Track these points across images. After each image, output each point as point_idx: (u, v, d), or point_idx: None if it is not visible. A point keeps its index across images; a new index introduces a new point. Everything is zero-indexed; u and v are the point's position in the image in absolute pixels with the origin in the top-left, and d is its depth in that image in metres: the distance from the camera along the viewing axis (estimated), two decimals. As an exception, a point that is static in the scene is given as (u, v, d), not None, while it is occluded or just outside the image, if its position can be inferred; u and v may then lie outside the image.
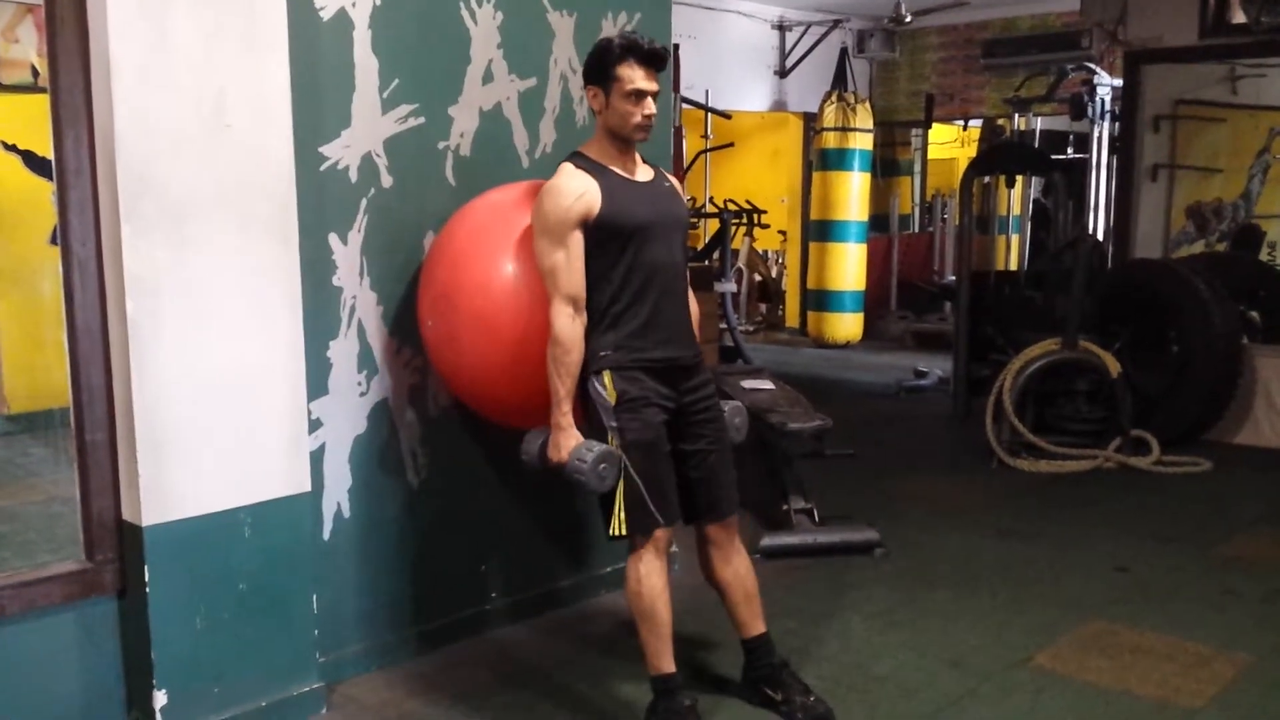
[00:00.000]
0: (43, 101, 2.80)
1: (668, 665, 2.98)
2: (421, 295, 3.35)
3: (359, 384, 3.35)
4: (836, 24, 11.08)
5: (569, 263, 2.92)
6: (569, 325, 2.92)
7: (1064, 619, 3.88)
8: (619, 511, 2.95)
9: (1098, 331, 6.47)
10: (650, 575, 2.95)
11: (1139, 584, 4.26)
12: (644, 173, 3.11)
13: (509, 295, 3.12)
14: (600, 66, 2.96)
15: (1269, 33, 7.89)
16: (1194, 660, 3.56)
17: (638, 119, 2.95)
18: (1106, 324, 6.64)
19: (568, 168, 3.00)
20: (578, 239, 2.93)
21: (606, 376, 2.97)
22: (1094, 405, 6.31)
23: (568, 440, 2.96)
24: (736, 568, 3.18)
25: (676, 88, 6.15)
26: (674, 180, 3.24)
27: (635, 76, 2.92)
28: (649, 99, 2.95)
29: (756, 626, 3.20)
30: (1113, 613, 3.96)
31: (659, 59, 2.98)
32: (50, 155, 2.80)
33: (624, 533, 2.95)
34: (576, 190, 2.93)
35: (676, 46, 5.95)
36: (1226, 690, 3.35)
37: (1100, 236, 9.46)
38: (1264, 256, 9.15)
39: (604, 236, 2.95)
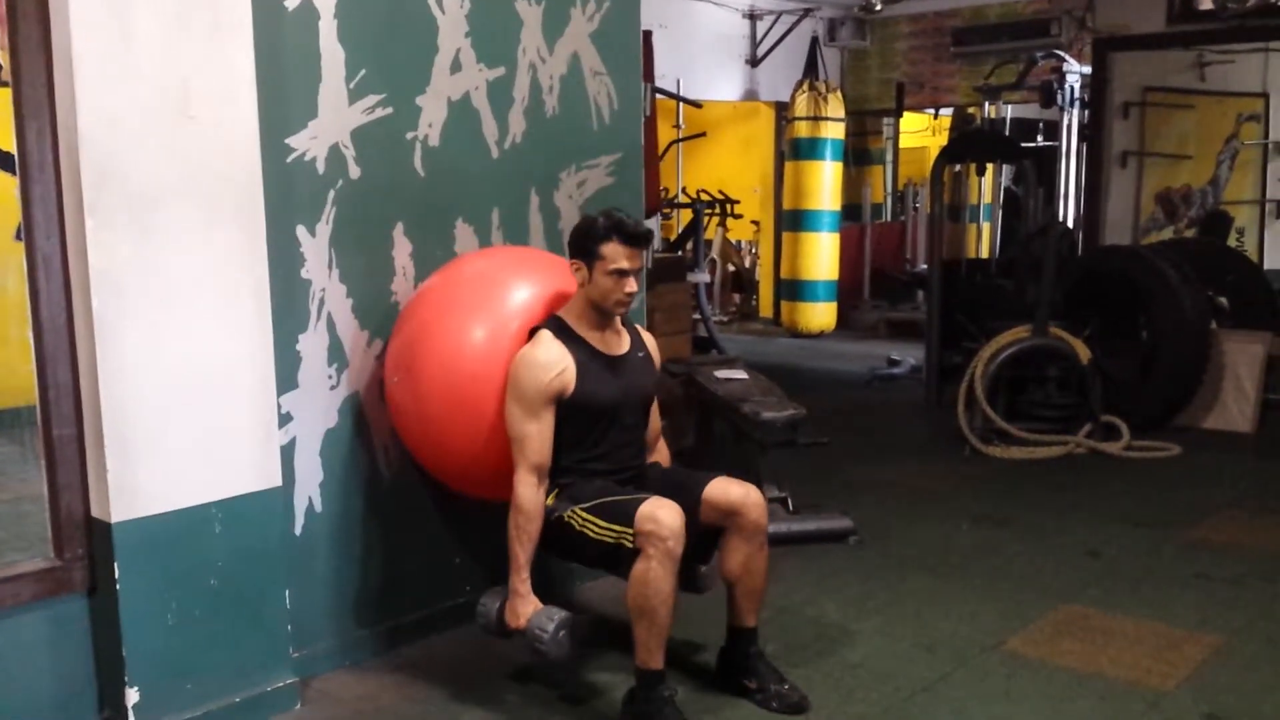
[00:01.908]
0: (5, 95, 2.76)
1: (656, 663, 2.97)
2: (389, 352, 3.37)
3: (329, 377, 3.33)
4: (807, 13, 11.09)
5: (539, 434, 3.02)
6: (532, 495, 3.01)
7: (1036, 603, 3.91)
8: (612, 535, 2.93)
9: (1068, 318, 6.52)
10: (658, 580, 2.87)
11: (1110, 568, 4.30)
12: (622, 342, 3.20)
13: (474, 368, 3.14)
14: (584, 243, 3.05)
15: (1236, 19, 7.96)
16: (1165, 642, 3.59)
17: (619, 295, 3.05)
18: (1077, 311, 6.69)
19: (545, 337, 3.06)
20: (550, 413, 3.03)
21: (550, 496, 3.10)
22: (1065, 391, 6.36)
23: (525, 607, 3.03)
24: (753, 563, 3.14)
25: (649, 77, 6.14)
26: (650, 343, 3.36)
27: (619, 256, 3.01)
28: (631, 277, 3.04)
29: (750, 620, 3.21)
30: (1084, 597, 3.99)
31: (643, 239, 3.06)
32: (13, 149, 2.76)
33: (633, 537, 2.88)
34: (555, 366, 3.02)
35: (648, 34, 5.93)
36: (1197, 671, 3.38)
37: (1070, 223, 9.53)
38: (1232, 242, 9.25)
39: (574, 413, 3.07)
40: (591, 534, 2.97)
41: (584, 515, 3.00)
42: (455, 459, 3.29)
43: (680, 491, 3.07)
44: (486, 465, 3.18)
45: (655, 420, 3.40)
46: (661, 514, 2.86)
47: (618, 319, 3.18)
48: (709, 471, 3.23)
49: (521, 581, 3.03)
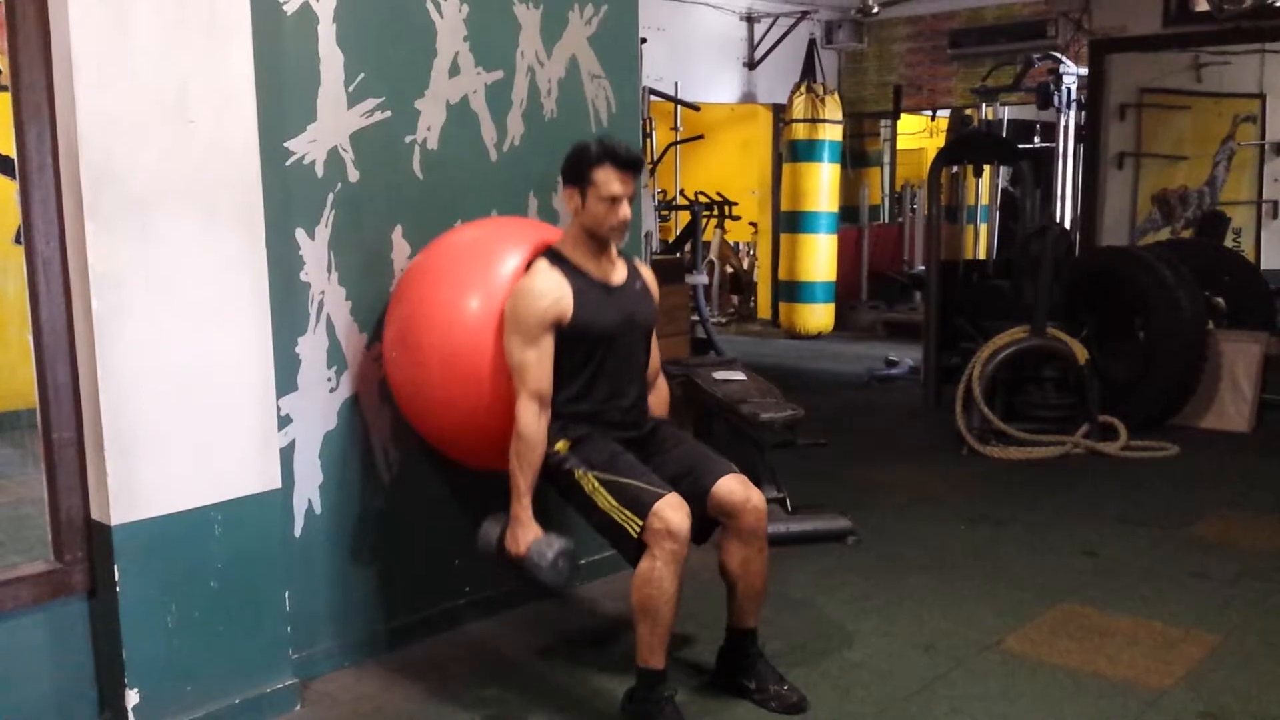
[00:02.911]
0: (4, 99, 2.77)
1: (658, 662, 2.97)
2: (386, 328, 3.37)
3: (328, 380, 3.34)
4: (804, 15, 11.10)
5: (539, 362, 3.00)
6: (534, 422, 2.99)
7: (1034, 603, 3.92)
8: (621, 517, 2.93)
9: (1065, 319, 6.53)
10: (663, 580, 2.88)
11: (1108, 567, 4.31)
12: (619, 272, 3.17)
13: (471, 338, 3.13)
14: (577, 169, 3.03)
15: (1232, 20, 7.98)
16: (1162, 641, 3.60)
17: (613, 222, 3.02)
18: (1074, 311, 6.70)
19: (542, 266, 3.05)
20: (549, 340, 3.01)
21: (559, 443, 3.07)
22: (1062, 392, 6.37)
23: (526, 534, 3.01)
24: (752, 565, 3.14)
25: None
26: (647, 275, 3.33)
27: (611, 181, 2.99)
28: (624, 203, 3.02)
29: (750, 621, 3.22)
30: (1082, 596, 4.00)
31: (636, 164, 3.04)
32: (13, 153, 2.77)
33: (640, 528, 2.88)
34: (551, 293, 2.99)
35: (644, 40, 5.96)
36: (1194, 670, 3.39)
37: (1067, 225, 9.54)
38: (1229, 242, 9.27)
39: (572, 340, 3.05)
40: (600, 504, 2.97)
41: (596, 483, 2.98)
42: (456, 429, 3.29)
43: (690, 478, 3.08)
44: (488, 434, 3.15)
45: (655, 357, 3.37)
46: (674, 517, 2.87)
47: (614, 249, 3.16)
48: (722, 460, 3.19)
49: (523, 509, 3.01)
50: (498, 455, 3.11)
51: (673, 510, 2.88)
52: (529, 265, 3.10)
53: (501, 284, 3.13)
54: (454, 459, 3.50)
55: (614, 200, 3.00)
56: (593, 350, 3.10)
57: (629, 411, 3.20)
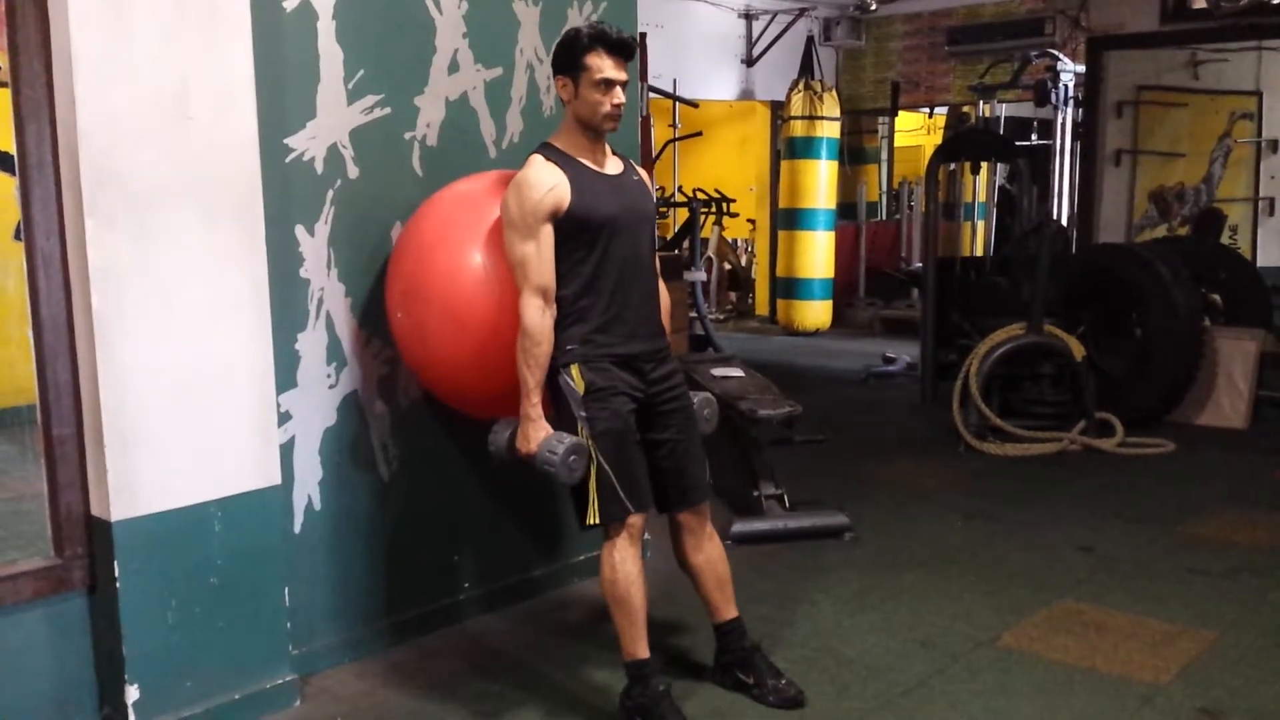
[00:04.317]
0: (4, 96, 2.77)
1: (642, 651, 3.00)
2: (390, 287, 3.35)
3: (328, 376, 3.35)
4: (802, 12, 11.10)
5: (539, 255, 2.92)
6: (538, 317, 2.92)
7: (1031, 599, 3.93)
8: (593, 501, 2.96)
9: (1062, 316, 6.54)
10: (625, 563, 2.97)
11: (1104, 563, 4.33)
12: (613, 165, 3.11)
13: (478, 286, 3.11)
14: (568, 56, 2.96)
15: (1229, 17, 7.99)
16: (1159, 637, 3.62)
17: (607, 108, 2.96)
18: (1071, 308, 6.72)
19: (537, 160, 2.99)
20: (548, 232, 2.93)
21: (575, 369, 2.99)
22: (1059, 389, 6.38)
23: (537, 432, 2.97)
24: (709, 554, 3.20)
25: (644, 77, 6.16)
26: (643, 173, 3.24)
27: (604, 65, 2.92)
28: (618, 88, 2.96)
29: (729, 611, 3.23)
30: (1079, 592, 4.01)
31: (627, 48, 2.98)
32: (13, 150, 2.78)
33: (598, 521, 2.97)
34: (547, 183, 2.92)
35: (642, 35, 5.95)
36: (1191, 666, 3.41)
37: (1064, 222, 9.55)
38: (1225, 240, 9.28)
39: (573, 230, 2.96)
40: (592, 466, 2.95)
41: (600, 451, 2.95)
42: (465, 382, 3.27)
43: (667, 480, 3.15)
44: (496, 384, 3.10)
45: (655, 262, 3.25)
46: (636, 521, 3.00)
47: (608, 145, 3.11)
48: (699, 478, 3.20)
49: (532, 406, 2.96)
50: (508, 403, 3.06)
51: (638, 524, 3.01)
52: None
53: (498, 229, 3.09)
54: (465, 411, 3.47)
55: (608, 85, 2.94)
56: (595, 239, 2.98)
57: (639, 314, 3.08)
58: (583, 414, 2.98)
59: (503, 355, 3.01)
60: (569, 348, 2.98)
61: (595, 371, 2.99)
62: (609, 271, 3.01)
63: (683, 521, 3.19)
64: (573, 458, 2.92)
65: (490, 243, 3.10)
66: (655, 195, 3.28)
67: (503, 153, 3.73)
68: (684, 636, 3.58)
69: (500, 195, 3.05)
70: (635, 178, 3.16)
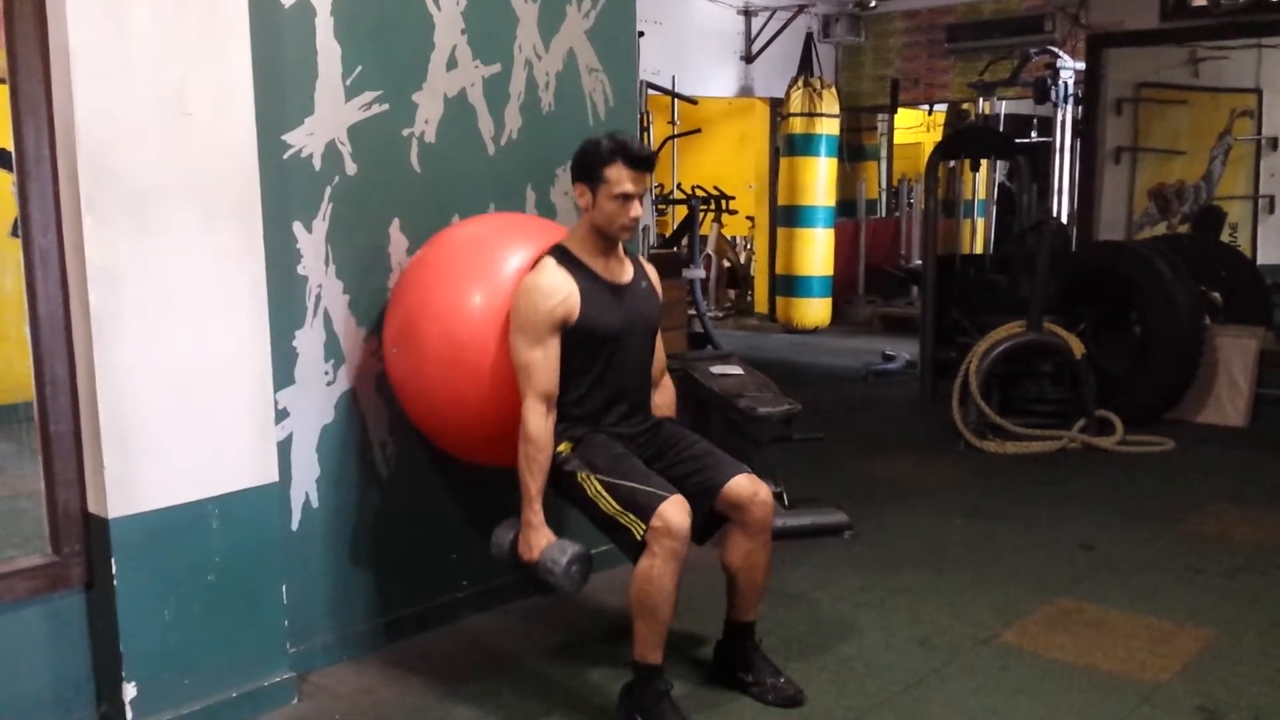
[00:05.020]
0: (2, 92, 2.76)
1: (655, 657, 2.97)
2: (387, 322, 3.37)
3: (326, 373, 3.34)
4: (802, 9, 11.09)
5: (545, 362, 2.97)
6: (541, 423, 2.97)
7: (1030, 597, 3.93)
8: (624, 516, 2.91)
9: (1062, 313, 6.54)
10: (662, 578, 2.87)
11: (1104, 561, 4.32)
12: (625, 271, 3.16)
13: (471, 341, 3.12)
14: (588, 166, 3.00)
15: (1229, 15, 7.98)
16: (1158, 635, 3.61)
17: (624, 220, 3.00)
18: (1070, 306, 6.71)
19: (550, 264, 3.02)
20: (556, 340, 2.98)
21: (561, 444, 3.06)
22: (1058, 386, 6.38)
23: (539, 539, 3.00)
24: (754, 558, 3.13)
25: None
26: (653, 274, 3.31)
27: (623, 179, 2.96)
28: (635, 201, 2.99)
29: (749, 615, 3.22)
30: (1078, 590, 4.01)
31: (647, 162, 3.01)
32: (10, 146, 2.77)
33: (643, 531, 2.87)
34: (559, 292, 2.97)
35: (641, 34, 5.95)
36: (1190, 664, 3.40)
37: (1064, 219, 9.55)
38: (1225, 237, 9.28)
39: (579, 341, 3.03)
40: (603, 507, 2.95)
41: (599, 487, 2.97)
42: (458, 426, 3.28)
43: (699, 476, 3.08)
44: (490, 430, 3.15)
45: (660, 355, 3.35)
46: (674, 517, 2.86)
47: (621, 248, 3.15)
48: (732, 460, 3.17)
49: (534, 513, 2.99)
50: (498, 451, 3.11)
51: (673, 510, 2.87)
52: (536, 263, 3.07)
53: (502, 279, 3.12)
54: (455, 456, 3.50)
55: (626, 198, 2.97)
56: (598, 351, 3.07)
57: (632, 413, 3.18)
58: (569, 467, 3.03)
59: (494, 401, 3.08)
60: (559, 428, 3.06)
61: (577, 433, 3.08)
62: (609, 381, 3.11)
63: (738, 503, 3.06)
64: (574, 568, 2.96)
65: (487, 300, 3.12)
66: (660, 296, 3.35)
67: (501, 149, 3.72)
68: (685, 635, 3.57)
69: (505, 240, 3.14)
70: (645, 284, 3.22)
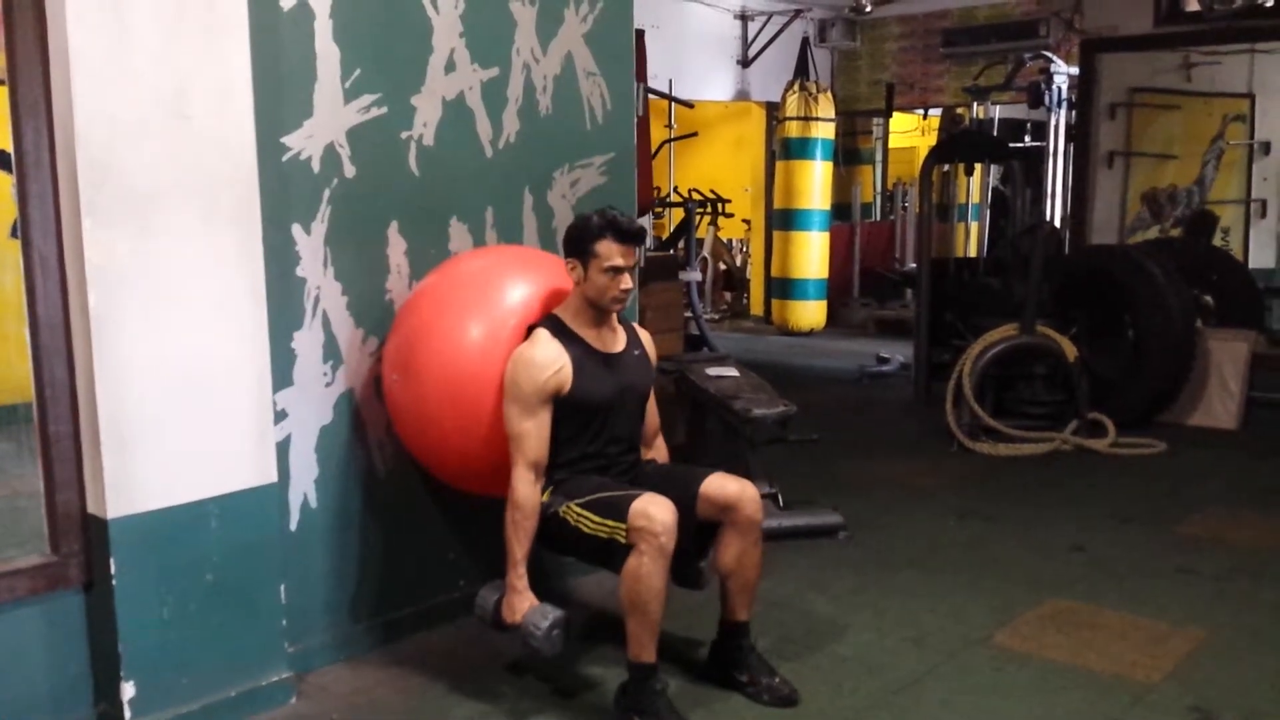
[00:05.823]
0: (1, 93, 2.77)
1: (649, 656, 2.99)
2: (387, 348, 3.39)
3: (324, 375, 3.35)
4: (798, 14, 11.13)
5: (537, 431, 3.04)
6: (529, 491, 3.03)
7: (1023, 598, 3.95)
8: (606, 530, 2.93)
9: (1055, 317, 6.57)
10: (650, 576, 2.88)
11: (1096, 563, 4.35)
12: (618, 340, 3.22)
13: (467, 378, 3.15)
14: (579, 241, 3.07)
15: (1222, 20, 8.01)
16: (1150, 637, 3.64)
17: (615, 292, 3.07)
18: (1064, 309, 6.74)
19: (542, 335, 3.07)
20: (547, 411, 3.05)
21: (544, 494, 3.11)
22: (1052, 389, 6.41)
23: (522, 603, 3.05)
24: (747, 558, 3.16)
25: (642, 77, 6.17)
26: (646, 341, 3.37)
27: (613, 253, 3.03)
28: (626, 274, 3.06)
29: (742, 614, 3.24)
30: (1071, 591, 4.03)
31: (637, 237, 3.09)
32: (9, 148, 2.78)
33: (627, 533, 2.89)
34: (552, 365, 3.03)
35: (640, 34, 5.95)
36: (1182, 665, 3.43)
37: (1057, 223, 9.58)
38: (1217, 241, 9.31)
39: (571, 411, 3.09)
40: (586, 529, 2.99)
41: (578, 511, 3.02)
42: (455, 457, 3.31)
43: (676, 487, 3.09)
44: (486, 462, 3.20)
45: (654, 417, 3.42)
46: (654, 510, 2.88)
47: (614, 316, 3.21)
48: (706, 467, 3.25)
49: (518, 577, 3.05)
50: (491, 482, 3.17)
51: (651, 504, 2.89)
52: (529, 332, 3.12)
53: (503, 313, 3.18)
54: (452, 485, 3.52)
55: (616, 271, 3.04)
56: (590, 420, 3.14)
57: (620, 475, 3.22)
58: (550, 510, 3.07)
59: (490, 434, 3.12)
60: (545, 486, 3.11)
61: (556, 477, 3.13)
62: (599, 449, 3.18)
63: (718, 506, 3.10)
64: (555, 632, 3.01)
65: (487, 335, 3.16)
66: (654, 362, 3.42)
67: (499, 152, 3.74)
68: (679, 635, 3.59)
69: (510, 273, 3.22)
70: (638, 352, 3.30)
